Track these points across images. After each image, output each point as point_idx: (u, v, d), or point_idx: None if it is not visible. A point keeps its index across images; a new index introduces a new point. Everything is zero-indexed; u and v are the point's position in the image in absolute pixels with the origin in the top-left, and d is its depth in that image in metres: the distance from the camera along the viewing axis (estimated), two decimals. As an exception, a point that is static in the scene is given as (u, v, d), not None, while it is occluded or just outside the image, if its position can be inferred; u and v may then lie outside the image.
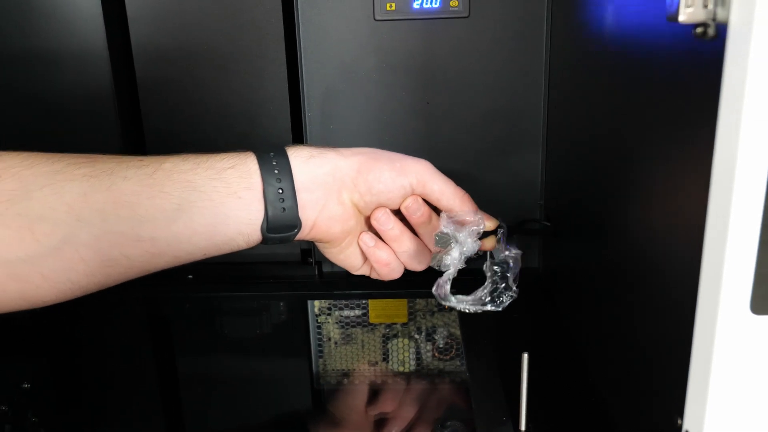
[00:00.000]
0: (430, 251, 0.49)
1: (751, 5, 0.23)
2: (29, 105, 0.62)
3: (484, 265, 0.46)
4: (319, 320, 0.63)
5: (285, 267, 0.67)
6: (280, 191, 0.42)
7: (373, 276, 0.51)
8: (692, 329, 0.27)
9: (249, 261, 0.67)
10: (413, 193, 0.47)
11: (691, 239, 0.27)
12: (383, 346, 0.58)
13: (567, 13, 0.53)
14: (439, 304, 0.63)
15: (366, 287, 0.64)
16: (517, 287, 0.45)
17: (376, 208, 0.47)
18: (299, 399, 0.53)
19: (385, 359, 0.56)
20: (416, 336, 0.59)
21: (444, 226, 0.47)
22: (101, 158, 0.40)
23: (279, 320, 0.66)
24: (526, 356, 0.39)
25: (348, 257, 0.50)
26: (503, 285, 0.44)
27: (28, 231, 0.36)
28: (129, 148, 0.64)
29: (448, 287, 0.45)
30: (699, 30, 0.25)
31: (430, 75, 0.60)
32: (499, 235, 0.49)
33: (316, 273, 0.67)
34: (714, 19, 0.24)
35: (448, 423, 0.48)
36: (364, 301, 0.63)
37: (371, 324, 0.61)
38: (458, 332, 0.56)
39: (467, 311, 0.45)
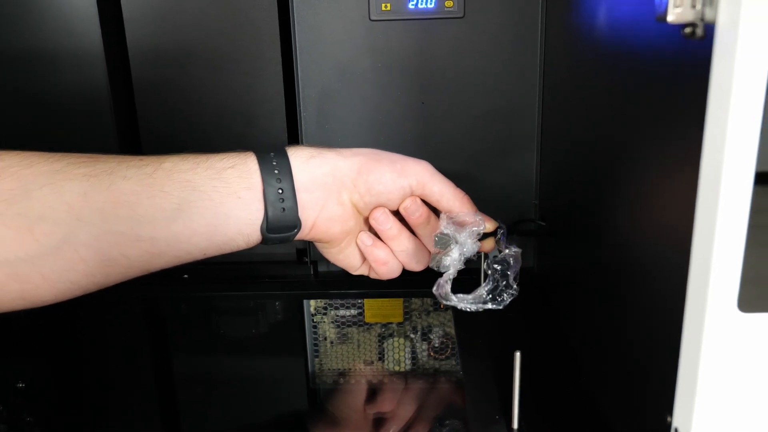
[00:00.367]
0: (429, 251, 0.50)
1: (738, 5, 0.23)
2: (25, 105, 0.62)
3: (485, 263, 0.47)
4: (314, 320, 0.63)
5: (281, 266, 0.67)
6: (280, 191, 0.42)
7: (372, 276, 0.51)
8: (681, 328, 0.27)
9: (245, 261, 0.67)
10: (413, 194, 0.47)
11: (679, 238, 0.27)
12: (379, 346, 0.58)
13: (561, 14, 0.53)
14: (435, 304, 0.63)
15: (362, 287, 0.64)
16: (517, 285, 0.45)
17: (375, 207, 0.47)
18: (295, 398, 0.53)
19: (381, 358, 0.56)
20: (412, 335, 0.59)
21: (444, 227, 0.47)
22: (101, 158, 0.40)
23: (275, 320, 0.66)
24: (518, 355, 0.39)
25: (347, 257, 0.50)
26: (504, 283, 0.44)
27: (28, 231, 0.36)
28: (125, 148, 0.64)
29: (448, 287, 0.45)
30: (687, 30, 0.25)
31: (426, 75, 0.60)
32: (498, 236, 0.49)
33: (312, 272, 0.67)
34: (702, 19, 0.25)
35: (443, 422, 0.48)
36: (359, 301, 0.63)
37: (367, 323, 0.61)
38: (453, 332, 0.57)
39: (468, 310, 0.46)
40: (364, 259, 0.50)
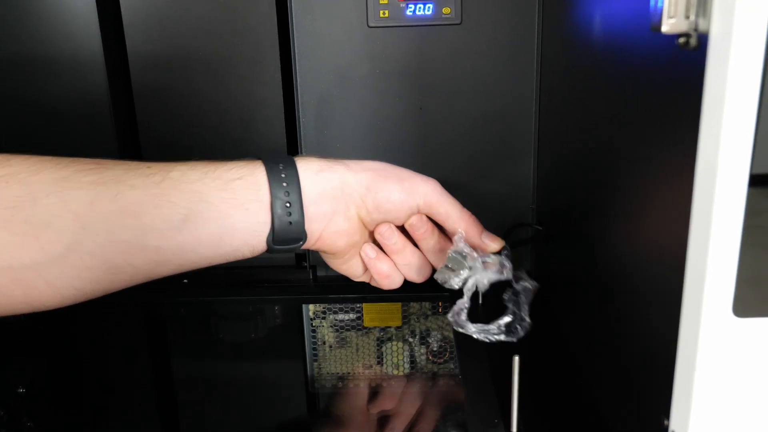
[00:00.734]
0: (431, 265, 0.50)
1: (731, 16, 0.23)
2: (25, 110, 0.62)
3: (504, 295, 0.46)
4: (313, 324, 0.63)
5: (280, 271, 0.67)
6: (288, 205, 0.42)
7: (373, 284, 0.52)
8: (677, 332, 0.27)
9: (244, 265, 0.66)
10: (419, 212, 0.47)
11: (675, 243, 0.27)
12: (378, 350, 0.58)
13: (557, 21, 0.53)
14: (433, 308, 0.63)
15: (360, 291, 0.64)
16: (530, 319, 0.45)
17: (381, 222, 0.47)
18: (294, 402, 0.54)
19: (380, 362, 0.56)
20: (410, 339, 0.59)
21: (461, 247, 0.48)
22: (109, 165, 0.40)
23: (274, 324, 0.66)
24: (517, 359, 0.40)
25: (350, 267, 0.50)
26: (519, 316, 0.44)
27: (34, 238, 0.36)
28: (125, 153, 0.64)
29: (464, 316, 0.45)
30: (681, 40, 0.26)
31: (424, 81, 0.61)
32: (503, 255, 0.49)
33: (311, 277, 0.68)
34: (696, 30, 0.25)
35: (442, 425, 0.48)
36: (358, 305, 0.64)
37: (366, 327, 0.61)
38: (451, 335, 0.57)
39: (486, 341, 0.45)
40: (367, 268, 0.50)
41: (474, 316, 0.47)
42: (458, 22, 0.59)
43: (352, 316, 0.63)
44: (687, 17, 0.25)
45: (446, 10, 0.58)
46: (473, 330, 0.43)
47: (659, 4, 0.26)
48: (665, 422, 0.29)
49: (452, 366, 0.54)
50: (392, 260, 0.49)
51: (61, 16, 0.60)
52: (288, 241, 0.43)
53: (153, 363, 0.60)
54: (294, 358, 0.59)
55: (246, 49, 0.61)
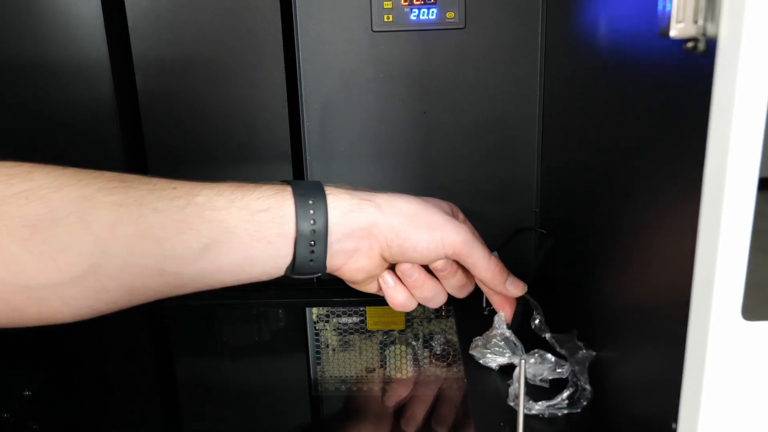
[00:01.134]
0: (447, 294, 0.50)
1: (740, 20, 0.23)
2: (31, 114, 0.63)
3: (567, 370, 0.46)
4: (317, 327, 0.63)
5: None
6: (312, 243, 0.41)
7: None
8: (685, 335, 0.27)
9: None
10: (446, 258, 0.46)
11: (683, 246, 0.27)
12: (381, 353, 0.58)
13: (561, 26, 0.54)
14: (436, 311, 0.63)
15: (364, 294, 0.65)
16: (590, 387, 0.44)
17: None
18: (297, 406, 0.54)
19: (383, 366, 0.56)
20: (413, 343, 0.59)
21: (498, 333, 0.49)
22: (134, 183, 0.38)
23: (277, 327, 0.66)
24: (523, 362, 0.40)
25: (365, 288, 0.50)
26: (581, 386, 0.44)
27: (51, 259, 0.35)
28: (130, 158, 0.64)
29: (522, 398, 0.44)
30: (690, 45, 0.26)
31: (428, 85, 0.61)
32: (537, 319, 0.49)
33: (314, 280, 0.68)
34: (704, 34, 0.25)
35: (446, 429, 0.48)
36: (361, 308, 0.64)
37: (369, 331, 0.61)
38: (455, 339, 0.57)
39: (554, 416, 0.44)
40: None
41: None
42: (462, 26, 0.59)
43: (355, 319, 0.63)
44: (695, 22, 0.25)
45: (450, 15, 0.58)
46: (537, 408, 0.43)
47: (667, 9, 0.26)
48: (673, 426, 0.29)
49: (456, 369, 0.54)
50: (410, 292, 0.48)
51: (67, 22, 0.60)
52: (306, 273, 0.42)
53: (157, 367, 0.60)
54: (297, 361, 0.59)
55: (250, 54, 0.61)
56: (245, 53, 0.61)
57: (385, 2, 0.58)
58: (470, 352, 0.50)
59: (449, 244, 0.45)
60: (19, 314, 0.37)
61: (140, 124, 0.64)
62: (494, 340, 0.49)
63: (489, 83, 0.60)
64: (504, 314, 0.50)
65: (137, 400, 0.53)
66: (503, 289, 0.49)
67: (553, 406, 0.43)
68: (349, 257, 0.44)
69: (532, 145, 0.62)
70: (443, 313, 0.63)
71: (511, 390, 0.44)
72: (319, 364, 0.58)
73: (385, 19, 0.59)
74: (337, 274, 0.46)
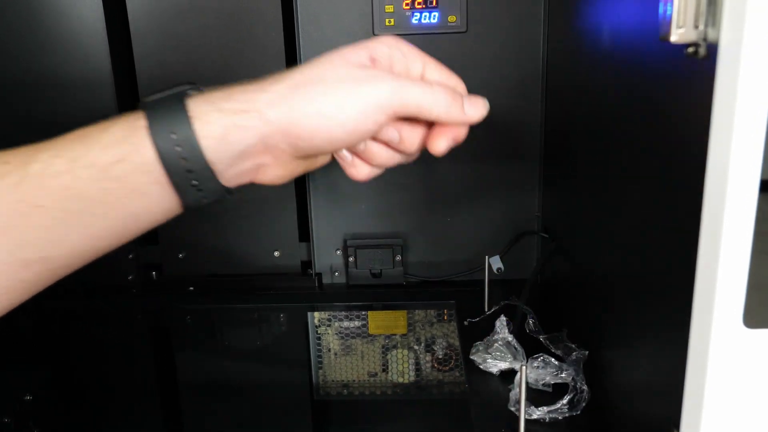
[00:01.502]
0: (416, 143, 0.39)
1: (741, 26, 0.23)
2: (32, 123, 0.63)
3: (569, 375, 0.46)
4: (319, 331, 0.63)
5: (285, 279, 0.67)
6: (196, 183, 0.33)
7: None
8: (687, 343, 0.27)
9: (250, 273, 0.67)
10: (380, 123, 0.35)
11: (684, 254, 0.27)
12: (383, 357, 0.58)
13: (563, 30, 0.53)
14: (438, 315, 0.63)
15: (365, 299, 0.65)
16: (587, 387, 0.44)
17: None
18: (299, 409, 0.53)
19: (385, 370, 0.56)
20: (415, 347, 0.59)
21: (500, 338, 0.48)
22: None
23: (279, 331, 0.66)
24: (524, 368, 0.39)
25: (315, 166, 0.40)
26: (579, 390, 0.44)
27: None
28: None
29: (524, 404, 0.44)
30: (690, 50, 0.25)
31: (429, 89, 0.61)
32: (531, 321, 0.50)
33: (317, 285, 0.68)
34: (705, 40, 0.25)
35: (448, 434, 0.48)
36: (363, 312, 0.63)
37: (371, 335, 0.61)
38: (457, 343, 0.57)
39: (556, 419, 0.44)
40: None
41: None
42: (464, 30, 0.59)
43: (357, 323, 0.63)
44: (696, 27, 0.25)
45: (452, 19, 0.58)
46: (537, 414, 0.43)
47: (668, 14, 0.26)
48: (675, 433, 0.29)
49: (457, 374, 0.54)
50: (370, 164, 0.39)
51: (69, 28, 0.60)
52: (209, 205, 0.35)
53: (159, 370, 0.60)
54: (299, 365, 0.59)
55: (253, 58, 0.61)
56: (247, 58, 0.61)
57: (386, 6, 0.58)
58: (471, 356, 0.50)
59: (374, 109, 0.34)
60: None
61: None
62: (496, 344, 0.49)
63: (491, 87, 0.60)
64: (505, 320, 0.49)
65: (138, 403, 0.53)
66: (464, 118, 0.39)
67: (553, 410, 0.43)
68: (255, 173, 0.36)
69: (535, 149, 0.62)
70: (445, 317, 0.63)
71: (512, 395, 0.44)
72: (320, 368, 0.58)
73: (387, 23, 0.59)
74: (259, 183, 0.37)
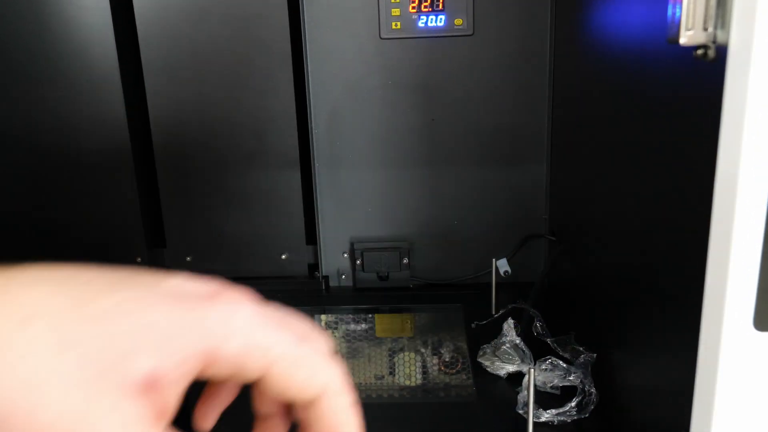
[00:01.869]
0: None
1: (751, 28, 0.23)
2: (40, 124, 0.63)
3: (578, 377, 0.45)
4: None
5: (292, 282, 0.67)
6: None
7: None
8: (697, 345, 0.27)
9: (257, 276, 0.67)
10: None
11: (694, 257, 0.27)
12: (389, 360, 0.58)
13: (570, 33, 0.53)
14: (446, 318, 0.63)
15: (372, 302, 0.65)
16: (595, 390, 0.44)
17: None
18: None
19: (392, 373, 0.56)
20: (422, 350, 0.59)
21: (508, 341, 0.48)
22: None
23: (286, 335, 0.66)
24: (533, 371, 0.39)
25: None
26: (588, 393, 0.44)
27: None
28: (139, 167, 0.64)
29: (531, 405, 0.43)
30: (699, 52, 0.25)
31: (436, 92, 0.61)
32: (538, 325, 0.49)
33: (323, 287, 0.68)
34: (714, 42, 0.25)
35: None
36: (370, 315, 0.63)
37: (377, 338, 0.61)
38: (464, 346, 0.57)
39: (563, 422, 0.44)
40: None
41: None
42: (470, 33, 0.59)
43: (364, 326, 0.63)
44: (705, 29, 0.25)
45: (458, 22, 0.58)
46: (546, 417, 0.42)
47: (677, 16, 0.26)
48: (685, 436, 0.29)
49: (464, 377, 0.54)
50: None
51: (77, 31, 0.60)
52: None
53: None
54: (306, 368, 0.59)
55: (259, 62, 0.61)
56: (254, 62, 0.61)
57: (393, 9, 0.58)
58: (478, 359, 0.49)
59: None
60: None
61: (150, 133, 0.64)
62: (503, 347, 0.49)
63: (497, 90, 0.60)
64: (511, 323, 0.49)
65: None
66: None
67: (562, 413, 0.43)
68: None
69: (541, 152, 0.62)
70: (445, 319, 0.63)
71: (520, 398, 0.44)
72: (327, 371, 0.58)
73: (393, 27, 0.59)
74: None
